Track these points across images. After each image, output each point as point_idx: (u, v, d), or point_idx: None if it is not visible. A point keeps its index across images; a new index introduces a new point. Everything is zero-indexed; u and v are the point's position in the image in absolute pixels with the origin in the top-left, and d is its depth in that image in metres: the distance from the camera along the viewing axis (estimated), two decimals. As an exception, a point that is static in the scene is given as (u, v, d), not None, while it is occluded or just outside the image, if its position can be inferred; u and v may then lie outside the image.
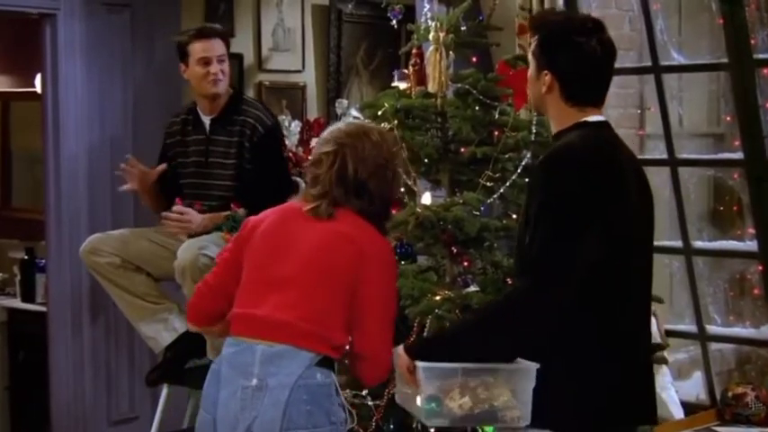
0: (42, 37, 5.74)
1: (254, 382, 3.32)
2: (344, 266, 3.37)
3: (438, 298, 4.06)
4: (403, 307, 4.10)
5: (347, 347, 3.46)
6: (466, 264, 4.25)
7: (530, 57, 3.23)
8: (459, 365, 3.04)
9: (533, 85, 3.21)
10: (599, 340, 3.01)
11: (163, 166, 5.16)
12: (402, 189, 4.29)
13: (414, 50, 4.49)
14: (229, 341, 3.45)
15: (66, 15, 5.69)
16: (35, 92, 6.69)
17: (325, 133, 3.57)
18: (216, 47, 5.08)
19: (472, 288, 4.13)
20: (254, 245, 3.50)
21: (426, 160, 4.40)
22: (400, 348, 3.19)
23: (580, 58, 3.11)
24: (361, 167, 3.43)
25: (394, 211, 3.88)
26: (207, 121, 5.13)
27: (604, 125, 3.16)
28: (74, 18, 5.72)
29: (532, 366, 3.01)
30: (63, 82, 5.71)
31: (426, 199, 4.29)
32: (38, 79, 6.49)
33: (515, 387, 3.04)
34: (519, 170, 4.27)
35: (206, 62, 5.04)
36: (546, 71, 3.15)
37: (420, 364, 3.07)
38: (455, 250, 4.22)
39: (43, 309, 6.10)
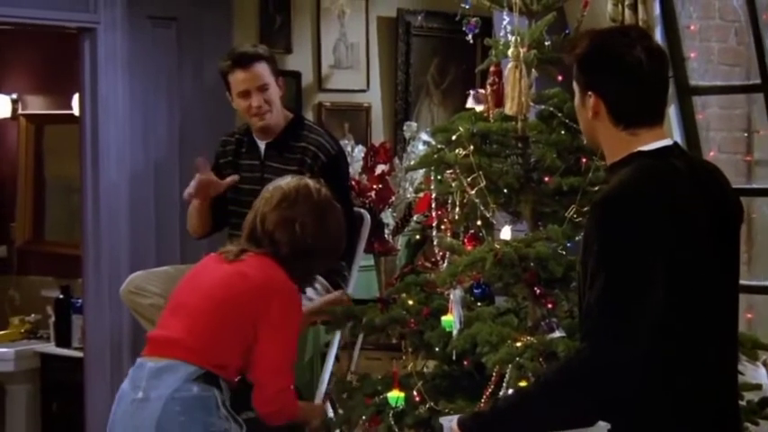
0: (81, 53, 5.81)
1: (140, 394, 4.01)
2: (237, 299, 4.11)
3: (519, 344, 4.01)
4: (480, 354, 4.08)
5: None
6: (550, 306, 4.20)
7: (574, 83, 3.23)
8: None
9: (580, 113, 3.20)
10: (672, 398, 2.98)
11: (234, 178, 5.05)
12: (479, 222, 4.30)
13: (491, 68, 4.47)
14: None
15: (106, 29, 5.75)
16: (72, 114, 6.78)
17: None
18: (255, 76, 4.98)
19: (557, 333, 4.08)
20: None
21: (506, 190, 4.37)
22: (454, 424, 3.14)
23: (624, 71, 3.08)
24: (268, 220, 4.24)
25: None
26: (262, 145, 5.12)
27: (664, 152, 3.09)
28: (115, 32, 5.78)
29: (603, 426, 2.97)
30: (103, 103, 5.77)
31: (506, 234, 4.26)
32: (75, 100, 6.58)
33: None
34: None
35: (246, 95, 4.99)
36: (590, 93, 3.13)
37: None
38: (538, 291, 4.18)
39: (80, 354, 6.17)
